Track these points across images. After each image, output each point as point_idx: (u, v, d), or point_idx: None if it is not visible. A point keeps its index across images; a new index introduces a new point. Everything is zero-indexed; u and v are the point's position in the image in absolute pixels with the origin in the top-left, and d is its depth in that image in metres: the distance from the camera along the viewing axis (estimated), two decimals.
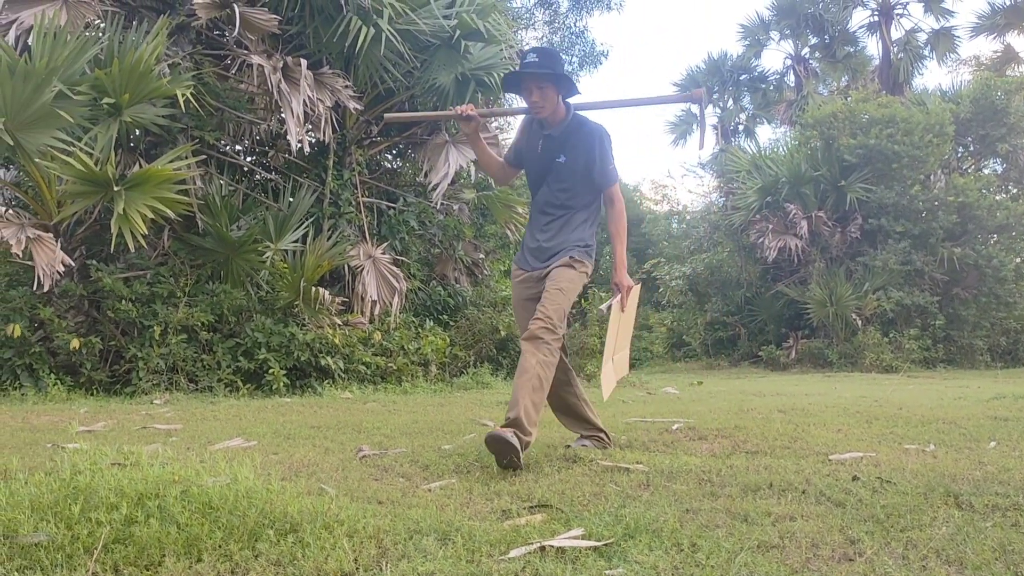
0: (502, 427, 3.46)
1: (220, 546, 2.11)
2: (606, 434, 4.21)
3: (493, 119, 11.91)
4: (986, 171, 19.47)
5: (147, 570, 2.00)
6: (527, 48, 3.58)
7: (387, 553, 2.19)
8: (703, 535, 2.40)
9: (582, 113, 4.00)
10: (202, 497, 2.31)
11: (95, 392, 7.67)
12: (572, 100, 3.99)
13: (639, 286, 4.03)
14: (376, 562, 2.10)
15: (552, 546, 2.23)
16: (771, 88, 26.47)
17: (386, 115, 4.33)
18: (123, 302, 7.87)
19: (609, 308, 4.07)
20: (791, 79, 25.94)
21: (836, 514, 2.69)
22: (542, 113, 3.86)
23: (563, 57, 4.72)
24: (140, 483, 2.34)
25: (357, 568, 2.03)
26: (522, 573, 2.02)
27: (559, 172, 3.93)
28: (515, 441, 3.38)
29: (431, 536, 2.35)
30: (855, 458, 3.91)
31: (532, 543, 2.26)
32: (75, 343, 7.54)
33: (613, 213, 3.95)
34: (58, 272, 7.36)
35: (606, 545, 2.26)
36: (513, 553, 2.19)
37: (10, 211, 7.62)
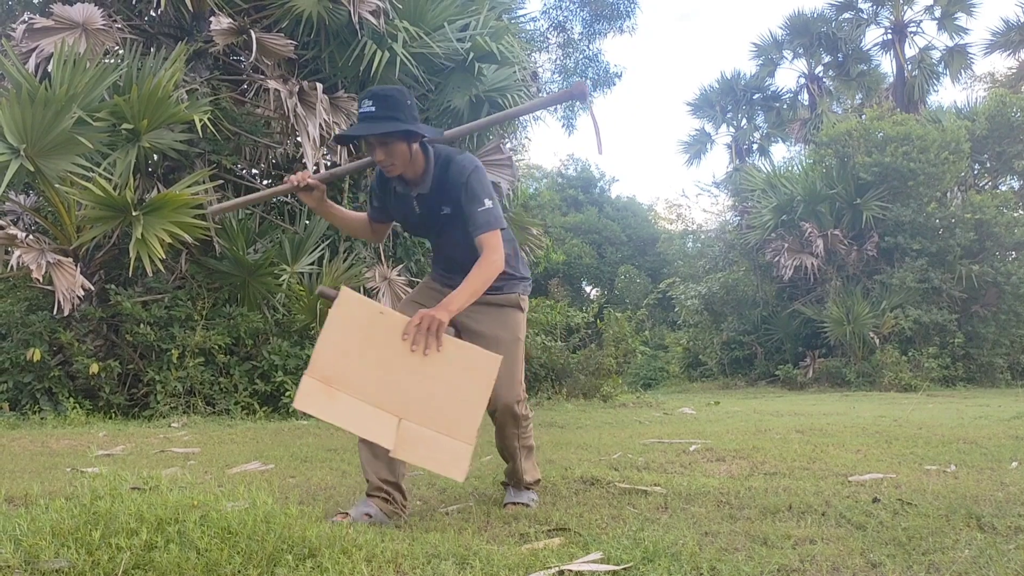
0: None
1: (239, 571, 2.11)
2: (404, 495, 3.12)
3: (507, 138, 11.93)
4: (1003, 188, 19.39)
5: None
6: (365, 96, 2.98)
7: None
8: (723, 559, 2.39)
9: (447, 145, 3.22)
10: (221, 522, 2.31)
11: (113, 416, 7.72)
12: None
13: (462, 342, 2.89)
14: None
15: (571, 570, 2.22)
16: (785, 107, 26.46)
17: (209, 209, 3.65)
18: (141, 326, 7.93)
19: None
20: (805, 98, 25.93)
21: (857, 537, 2.67)
22: (393, 171, 3.03)
23: (407, 96, 3.10)
24: (160, 508, 2.34)
25: None
26: None
27: (450, 228, 3.13)
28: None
29: (449, 560, 2.34)
30: (875, 479, 3.88)
31: (551, 567, 2.25)
32: (94, 368, 7.59)
33: (483, 261, 2.95)
34: (78, 296, 7.42)
35: (625, 569, 2.25)
36: None
37: (31, 236, 7.69)
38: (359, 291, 9.51)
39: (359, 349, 2.77)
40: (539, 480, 3.51)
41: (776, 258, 17.31)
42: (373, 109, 2.93)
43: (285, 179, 3.21)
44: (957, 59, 23.06)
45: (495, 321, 3.19)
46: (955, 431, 6.31)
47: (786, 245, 17.27)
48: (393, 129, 2.93)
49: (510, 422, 3.24)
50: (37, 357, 7.50)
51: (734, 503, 3.31)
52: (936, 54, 23.41)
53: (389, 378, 2.75)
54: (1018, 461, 4.49)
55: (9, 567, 2.05)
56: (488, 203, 2.99)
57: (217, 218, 8.52)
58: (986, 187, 19.25)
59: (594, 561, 2.34)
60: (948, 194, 17.49)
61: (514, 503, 3.31)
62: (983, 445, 5.30)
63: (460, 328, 3.13)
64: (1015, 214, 17.71)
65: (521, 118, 10.93)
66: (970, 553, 2.42)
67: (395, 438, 2.71)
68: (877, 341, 15.90)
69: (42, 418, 7.31)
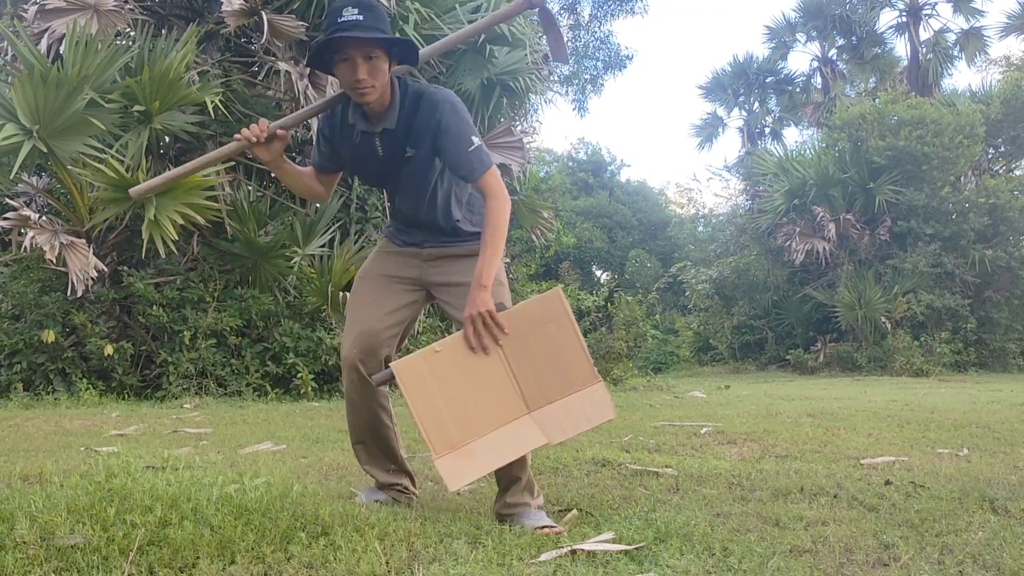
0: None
1: (253, 548, 2.12)
2: (412, 480, 3.02)
3: (518, 122, 11.88)
4: (1017, 172, 19.24)
5: (181, 572, 2.01)
6: (347, 4, 2.53)
7: (418, 556, 2.19)
8: (734, 539, 2.39)
9: (410, 76, 2.79)
10: (235, 500, 2.33)
11: (126, 396, 7.76)
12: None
13: (516, 313, 2.63)
14: (407, 565, 2.11)
15: (583, 550, 2.22)
16: (798, 90, 26.27)
17: (132, 190, 3.03)
18: (154, 307, 7.96)
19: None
20: (818, 81, 25.74)
21: (869, 519, 2.66)
22: (370, 96, 2.57)
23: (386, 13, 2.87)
24: (174, 486, 2.36)
25: (389, 571, 2.03)
26: None
27: (413, 173, 2.74)
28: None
29: (462, 539, 2.35)
30: (887, 462, 3.88)
31: (563, 547, 2.26)
32: (109, 349, 7.63)
33: (490, 211, 2.64)
34: (91, 278, 7.45)
35: (637, 549, 2.25)
36: (543, 557, 2.19)
37: (43, 218, 7.72)
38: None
39: (449, 397, 2.56)
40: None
41: (788, 242, 17.24)
42: (360, 17, 2.50)
43: (236, 136, 2.73)
44: (972, 42, 22.83)
45: (470, 271, 2.70)
46: (967, 415, 6.29)
47: (798, 229, 17.19)
48: (389, 37, 2.55)
49: None
50: (51, 338, 7.54)
51: (745, 485, 3.30)
52: (951, 37, 23.19)
53: (492, 392, 2.59)
54: None
55: (25, 543, 2.06)
56: (475, 140, 2.63)
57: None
58: (1000, 171, 19.10)
59: (606, 541, 2.34)
60: (962, 178, 17.38)
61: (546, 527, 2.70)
62: (996, 429, 5.28)
63: (434, 290, 2.85)
64: None
65: (531, 101, 10.87)
66: (983, 535, 2.41)
67: (541, 431, 2.58)
68: (889, 326, 15.84)
69: (56, 399, 7.36)
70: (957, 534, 2.45)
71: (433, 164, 2.71)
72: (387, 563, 2.08)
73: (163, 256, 7.86)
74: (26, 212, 7.50)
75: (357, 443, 2.95)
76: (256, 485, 2.50)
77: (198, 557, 2.06)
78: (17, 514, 2.20)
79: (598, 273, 28.23)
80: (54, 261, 7.28)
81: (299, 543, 2.18)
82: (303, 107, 8.62)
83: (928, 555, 2.25)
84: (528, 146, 11.27)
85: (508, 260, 12.53)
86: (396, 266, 2.88)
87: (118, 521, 2.16)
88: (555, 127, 65.19)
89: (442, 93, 2.68)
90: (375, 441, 2.91)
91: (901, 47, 24.66)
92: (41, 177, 9.02)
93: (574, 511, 2.77)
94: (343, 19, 2.51)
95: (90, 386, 7.57)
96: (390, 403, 2.93)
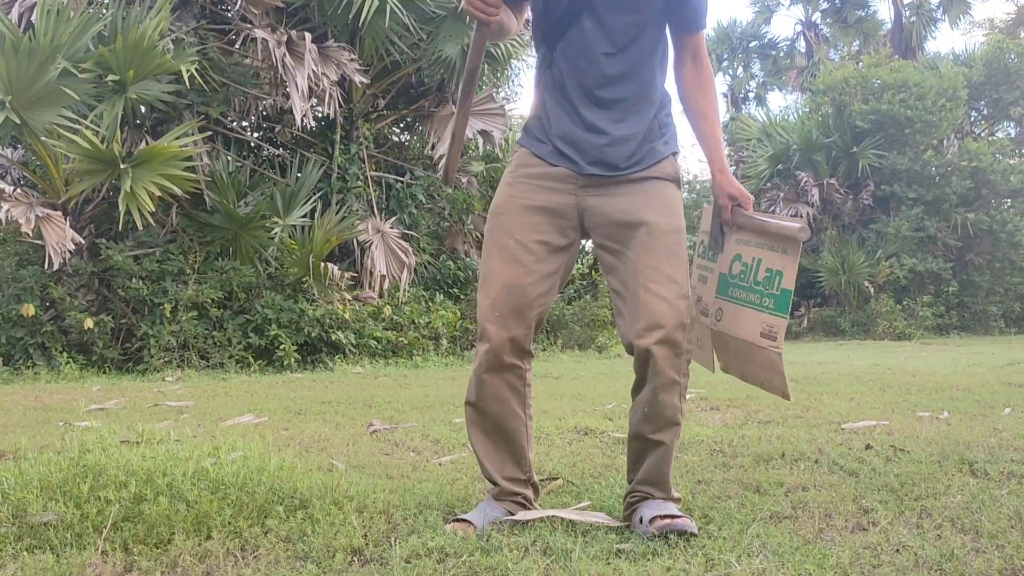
0: (666, 517, 2.08)
1: (229, 523, 2.10)
2: (536, 492, 2.34)
3: (500, 87, 11.75)
4: (999, 135, 19.28)
5: (156, 548, 1.99)
6: None
7: (397, 528, 2.17)
8: (715, 506, 2.38)
9: None
10: (211, 474, 2.30)
11: (107, 370, 7.71)
12: None
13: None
14: (386, 537, 2.09)
15: (559, 517, 2.21)
16: (782, 55, 26.23)
17: (441, 176, 2.53)
18: (133, 280, 7.88)
19: (712, 242, 2.43)
20: (802, 45, 25.70)
21: (849, 484, 2.67)
22: None
23: None
24: (149, 461, 2.33)
25: (367, 544, 2.01)
26: (532, 547, 2.00)
27: (620, 9, 2.11)
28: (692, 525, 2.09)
29: (440, 511, 2.33)
30: (868, 427, 3.89)
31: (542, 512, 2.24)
32: (89, 323, 7.55)
33: (701, 77, 2.22)
34: (68, 251, 7.36)
35: (615, 518, 2.24)
36: (520, 515, 2.18)
37: (19, 190, 7.62)
38: (352, 244, 9.47)
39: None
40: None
41: (772, 207, 17.22)
42: None
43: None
44: (956, 5, 22.80)
45: (649, 202, 2.15)
46: (948, 378, 6.33)
47: (782, 195, 17.20)
48: None
49: (670, 355, 2.08)
50: (31, 312, 7.46)
51: (727, 451, 3.31)
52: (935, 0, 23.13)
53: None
54: (1011, 407, 4.50)
55: None
56: None
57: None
58: (983, 134, 19.14)
59: (584, 508, 2.33)
60: (944, 142, 17.39)
61: (668, 517, 2.08)
62: (976, 392, 5.32)
63: (595, 229, 2.23)
64: (1011, 161, 17.64)
65: (512, 67, 10.80)
66: (962, 499, 2.41)
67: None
68: (872, 290, 15.92)
69: (36, 373, 7.30)
70: (936, 497, 2.46)
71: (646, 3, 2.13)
72: (365, 536, 2.07)
73: (141, 228, 7.77)
74: (0, 185, 7.39)
75: (477, 428, 2.26)
76: (233, 459, 2.48)
77: (173, 533, 2.03)
78: None
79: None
80: (30, 234, 7.19)
81: (276, 517, 2.16)
82: (281, 75, 8.55)
83: (907, 519, 2.25)
84: (510, 112, 11.18)
85: None
86: (546, 194, 2.19)
87: (92, 497, 2.14)
88: None
89: None
90: (503, 436, 2.25)
91: (885, 10, 24.70)
92: (16, 149, 8.88)
93: (558, 479, 2.76)
94: None
95: (70, 360, 7.51)
96: (528, 389, 2.27)
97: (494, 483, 2.27)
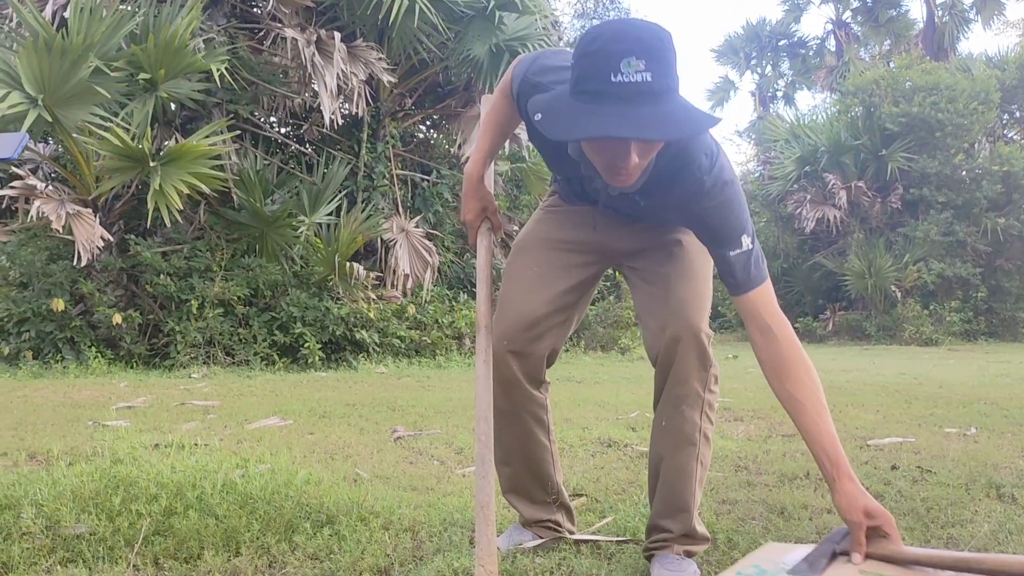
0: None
1: (258, 538, 2.13)
2: (570, 515, 2.30)
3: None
4: None
5: (186, 563, 2.02)
6: (628, 53, 1.46)
7: (422, 546, 2.19)
8: (740, 530, 2.38)
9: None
10: (240, 488, 2.33)
11: (135, 365, 7.79)
12: None
13: None
14: (411, 556, 2.11)
15: (583, 541, 2.22)
16: (811, 54, 26.00)
17: None
18: (161, 276, 7.96)
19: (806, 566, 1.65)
20: (832, 44, 25.44)
21: None
22: (628, 182, 1.64)
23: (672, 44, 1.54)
24: (179, 473, 2.36)
25: (392, 563, 2.03)
26: (557, 570, 2.01)
27: (638, 215, 2.01)
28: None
29: (466, 528, 2.35)
30: (894, 444, 3.86)
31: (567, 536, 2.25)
32: (117, 318, 7.64)
33: (777, 351, 1.86)
34: (97, 247, 7.45)
35: (637, 542, 2.25)
36: (531, 543, 2.19)
37: (50, 186, 7.71)
38: (377, 242, 9.51)
39: None
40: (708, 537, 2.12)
41: (798, 210, 17.12)
42: (649, 77, 1.47)
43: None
44: (989, 4, 22.49)
45: (665, 230, 2.06)
46: (976, 390, 6.27)
47: (808, 196, 17.07)
48: (698, 124, 1.51)
49: (695, 363, 1.97)
50: (60, 307, 7.55)
51: (752, 468, 3.30)
52: None
53: None
54: None
55: (31, 532, 2.07)
56: (746, 241, 1.82)
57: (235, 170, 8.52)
58: (1015, 138, 18.88)
59: (606, 528, 2.34)
60: (976, 145, 17.17)
61: None
62: (1004, 406, 5.27)
63: (622, 257, 2.14)
64: None
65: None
66: (989, 527, 2.39)
67: None
68: (899, 295, 15.77)
69: (64, 367, 7.39)
70: (963, 525, 2.44)
71: (666, 223, 2.03)
72: (390, 554, 2.08)
73: (169, 225, 7.85)
74: (32, 181, 7.49)
75: (501, 462, 2.20)
76: (261, 472, 2.51)
77: (203, 548, 2.06)
78: (23, 502, 2.21)
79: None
80: (60, 231, 7.28)
81: (304, 533, 2.18)
82: (310, 74, 8.58)
83: (933, 548, 2.23)
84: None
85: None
86: (567, 228, 2.13)
87: (124, 510, 2.17)
88: None
89: (719, 164, 1.80)
90: (525, 463, 2.20)
91: (916, 9, 24.40)
92: (48, 144, 8.99)
93: (582, 497, 2.77)
94: (621, 77, 1.47)
95: (99, 355, 7.60)
96: (549, 415, 2.22)
97: (522, 514, 2.25)
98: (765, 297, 1.85)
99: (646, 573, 2.00)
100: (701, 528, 2.08)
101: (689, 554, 2.03)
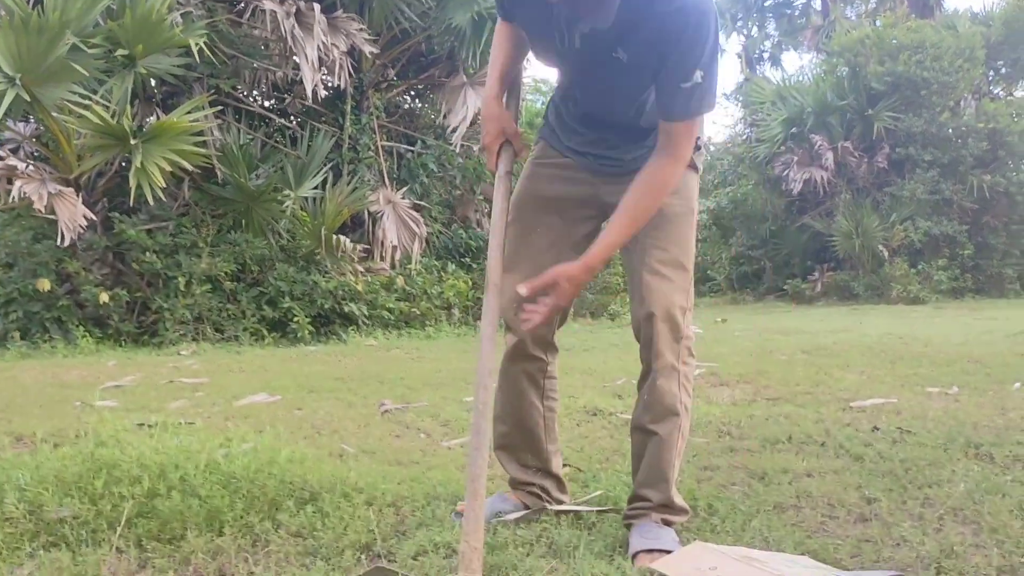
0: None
1: (241, 518, 2.14)
2: (560, 485, 2.36)
3: None
4: (1018, 95, 18.97)
5: (169, 544, 2.03)
6: None
7: (405, 521, 2.21)
8: (720, 496, 2.41)
9: None
10: (223, 467, 2.34)
11: (123, 343, 7.78)
12: None
13: None
14: (394, 532, 2.13)
15: (560, 511, 2.24)
16: (797, 13, 25.86)
17: None
18: (147, 254, 7.93)
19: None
20: (818, 3, 25.28)
21: (854, 470, 2.69)
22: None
23: None
24: (162, 454, 2.37)
25: (375, 539, 2.05)
26: (537, 543, 2.04)
27: (616, 76, 1.94)
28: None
29: (449, 501, 2.37)
30: (876, 405, 3.91)
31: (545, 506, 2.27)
32: (104, 297, 7.62)
33: (652, 168, 1.96)
34: (80, 226, 7.40)
35: (617, 511, 2.27)
36: (510, 516, 2.21)
37: (31, 166, 7.64)
38: (363, 214, 9.48)
39: None
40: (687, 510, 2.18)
41: (785, 171, 17.09)
42: None
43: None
44: None
45: None
46: (960, 348, 6.32)
47: (795, 158, 17.03)
48: None
49: (667, 336, 2.04)
50: (46, 287, 7.52)
51: (735, 433, 3.33)
52: None
53: None
54: (1021, 382, 4.49)
55: (13, 517, 2.09)
56: (698, 75, 1.84)
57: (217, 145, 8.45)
58: (1000, 95, 18.85)
59: (592, 500, 2.37)
60: (961, 103, 17.14)
61: (652, 552, 1.95)
62: (987, 364, 5.32)
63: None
64: None
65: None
66: (965, 487, 2.43)
67: None
68: (886, 254, 15.82)
69: (52, 347, 7.37)
70: (940, 485, 2.47)
71: (642, 83, 1.95)
72: (373, 530, 2.10)
73: (152, 203, 7.80)
74: (13, 161, 7.43)
75: (497, 418, 2.26)
76: (244, 451, 2.52)
77: (186, 529, 2.08)
78: (6, 487, 2.22)
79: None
80: (43, 210, 7.23)
81: (287, 511, 2.20)
82: (291, 46, 8.50)
83: (909, 509, 2.27)
84: (527, 79, 11.06)
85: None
86: (563, 184, 2.19)
87: (106, 493, 2.18)
88: None
89: (698, 4, 1.81)
90: (516, 423, 2.27)
91: None
92: (28, 123, 8.90)
93: (566, 468, 2.79)
94: None
95: (87, 334, 7.58)
96: (549, 380, 2.28)
97: (511, 476, 2.33)
98: (686, 133, 1.95)
99: (626, 543, 2.02)
100: (679, 500, 2.14)
101: (668, 523, 2.07)
